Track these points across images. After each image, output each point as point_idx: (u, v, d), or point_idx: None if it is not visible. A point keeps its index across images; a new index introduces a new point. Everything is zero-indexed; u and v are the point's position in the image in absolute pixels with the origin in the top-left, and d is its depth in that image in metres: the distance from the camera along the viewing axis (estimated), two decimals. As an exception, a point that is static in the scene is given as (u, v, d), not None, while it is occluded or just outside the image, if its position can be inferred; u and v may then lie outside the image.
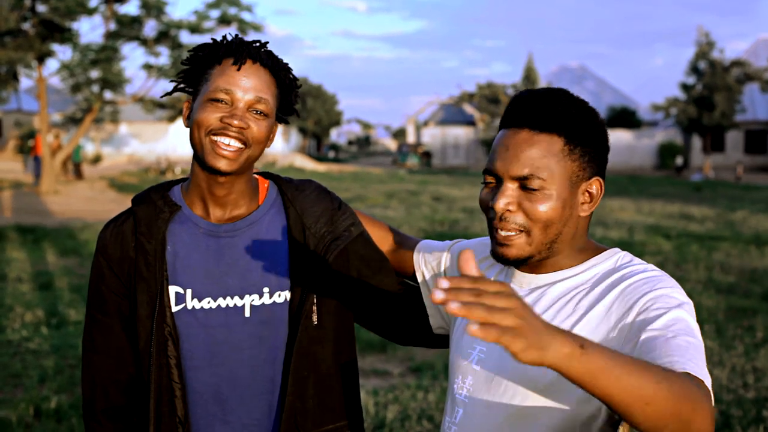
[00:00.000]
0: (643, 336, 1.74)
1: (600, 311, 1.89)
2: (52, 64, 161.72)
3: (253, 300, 2.28)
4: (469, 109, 65.58)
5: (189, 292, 2.27)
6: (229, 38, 2.28)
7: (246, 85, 2.20)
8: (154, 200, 2.35)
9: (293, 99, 2.37)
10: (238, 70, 2.20)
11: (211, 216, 2.32)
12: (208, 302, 2.27)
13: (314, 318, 2.30)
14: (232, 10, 35.61)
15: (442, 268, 2.46)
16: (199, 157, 2.25)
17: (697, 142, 59.89)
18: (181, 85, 2.35)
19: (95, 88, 32.69)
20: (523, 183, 1.96)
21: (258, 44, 2.28)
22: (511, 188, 1.98)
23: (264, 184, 2.43)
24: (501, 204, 1.97)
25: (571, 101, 1.99)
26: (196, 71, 2.29)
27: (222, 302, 2.27)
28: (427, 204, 25.93)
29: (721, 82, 53.22)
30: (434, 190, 32.23)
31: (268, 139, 2.27)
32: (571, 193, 1.97)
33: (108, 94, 34.48)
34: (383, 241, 2.58)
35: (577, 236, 2.03)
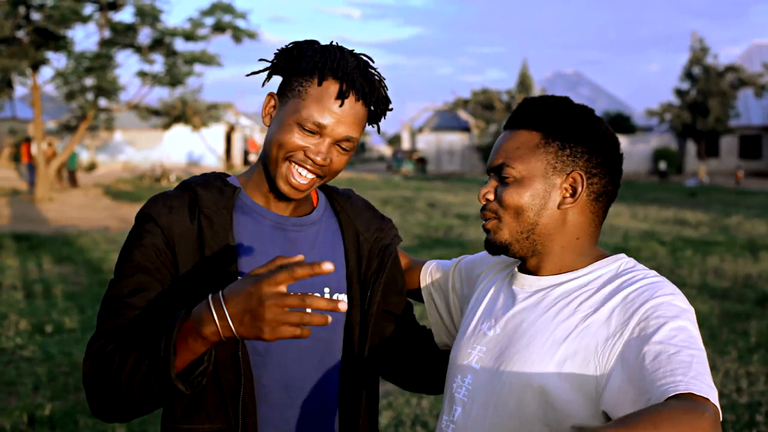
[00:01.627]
0: (646, 350, 1.74)
1: (601, 317, 1.91)
2: (46, 72, 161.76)
3: None
4: (463, 115, 65.55)
5: None
6: (335, 48, 2.17)
7: (340, 123, 2.11)
8: (212, 181, 2.22)
9: (382, 117, 2.29)
10: (341, 105, 2.11)
11: (274, 208, 2.25)
12: None
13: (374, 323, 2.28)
14: (227, 18, 35.67)
15: (449, 286, 2.50)
16: (268, 174, 2.19)
17: (691, 147, 59.95)
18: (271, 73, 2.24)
19: (90, 96, 32.68)
20: (499, 173, 2.08)
21: (363, 69, 2.17)
22: (491, 180, 2.12)
23: None
24: (481, 193, 2.11)
25: (558, 103, 2.09)
26: (288, 70, 2.19)
27: None
28: (422, 210, 25.94)
29: (716, 88, 53.30)
30: (429, 197, 32.24)
31: (341, 170, 2.23)
32: (545, 184, 2.04)
33: (102, 102, 34.47)
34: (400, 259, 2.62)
35: (567, 233, 2.06)
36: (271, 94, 2.21)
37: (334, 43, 2.21)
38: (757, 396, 7.27)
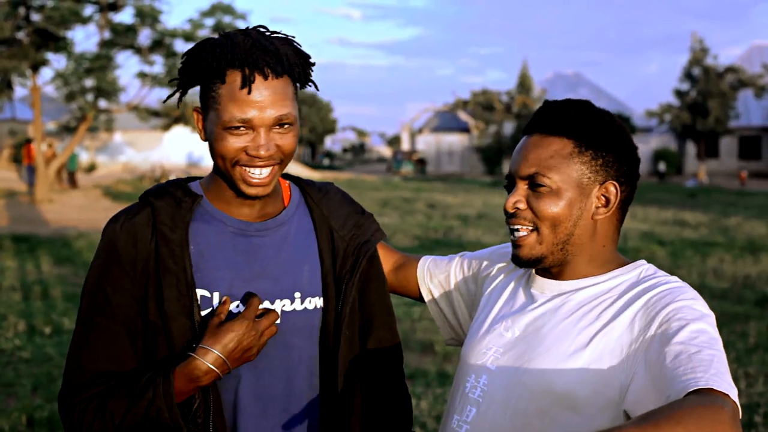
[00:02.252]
0: (667, 350, 1.75)
1: (624, 322, 1.91)
2: (46, 73, 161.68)
3: (284, 305, 2.13)
4: (463, 116, 65.58)
5: (216, 295, 2.08)
6: (224, 37, 2.06)
7: (263, 108, 2.00)
8: (171, 192, 2.15)
9: (308, 77, 2.15)
10: (249, 92, 1.99)
11: (238, 213, 2.16)
12: (237, 306, 2.08)
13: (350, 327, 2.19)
14: (227, 19, 35.64)
15: (452, 282, 2.48)
16: (228, 182, 2.11)
17: (691, 148, 59.98)
18: (182, 93, 2.17)
19: (90, 97, 32.65)
20: (532, 182, 2.04)
21: (259, 44, 2.04)
22: (521, 188, 2.07)
23: (284, 183, 2.30)
24: (510, 202, 2.07)
25: (586, 109, 2.08)
26: (195, 81, 2.10)
27: None
28: (421, 211, 25.94)
29: (715, 89, 53.34)
30: (429, 198, 32.24)
31: (296, 145, 2.12)
32: (580, 194, 2.02)
33: (102, 103, 34.43)
34: (387, 257, 2.57)
35: (597, 242, 2.07)
36: (195, 110, 2.14)
37: (222, 33, 2.09)
38: (755, 397, 7.27)
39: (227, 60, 2.00)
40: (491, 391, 2.05)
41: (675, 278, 2.00)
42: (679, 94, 55.84)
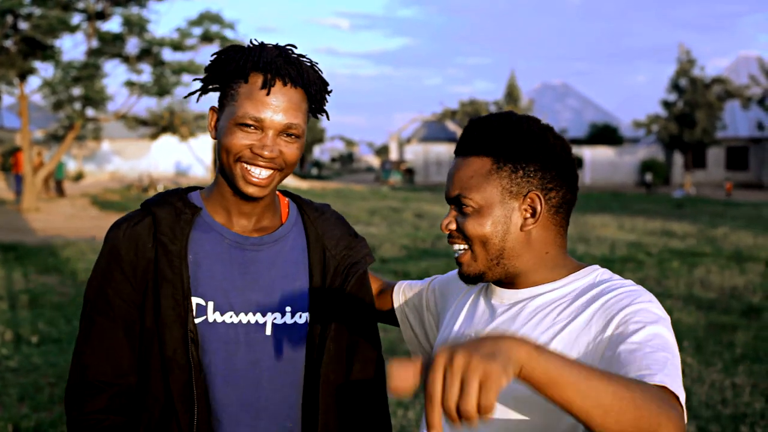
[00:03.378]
0: (621, 348, 1.76)
1: (580, 324, 1.92)
2: (34, 81, 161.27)
3: (275, 318, 2.22)
4: (451, 126, 65.70)
5: (211, 304, 2.17)
6: (255, 44, 2.20)
7: (276, 110, 2.11)
8: (172, 202, 2.24)
9: (324, 101, 2.29)
10: (268, 94, 2.11)
11: (236, 226, 2.25)
12: (230, 316, 2.17)
13: (334, 342, 2.25)
14: (215, 28, 35.72)
15: (424, 305, 2.52)
16: (228, 180, 2.20)
17: (678, 158, 60.17)
18: (207, 88, 2.28)
19: (77, 106, 32.64)
20: (457, 203, 2.08)
21: (286, 55, 2.17)
22: (452, 210, 2.11)
23: (284, 200, 2.40)
24: (443, 224, 2.10)
25: (503, 122, 2.08)
26: (220, 79, 2.21)
27: (243, 318, 2.19)
28: (409, 221, 25.94)
29: (702, 99, 53.53)
30: (417, 207, 32.24)
31: (299, 158, 2.22)
32: (504, 209, 2.04)
33: (90, 112, 34.41)
34: (371, 283, 2.60)
35: (536, 251, 2.07)
36: (212, 109, 2.24)
37: (254, 42, 2.21)
38: (742, 407, 7.28)
39: (253, 62, 2.13)
40: None
41: (630, 282, 2.00)
42: (666, 104, 56.02)
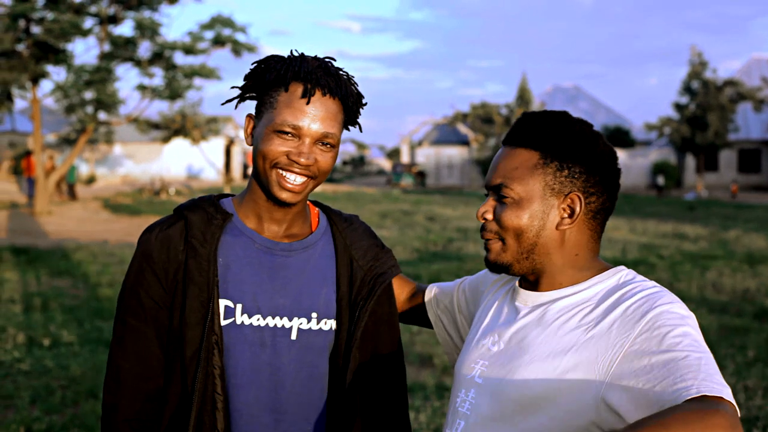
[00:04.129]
0: (654, 360, 1.75)
1: (602, 329, 1.91)
2: (46, 85, 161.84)
3: (301, 323, 2.25)
4: (463, 129, 65.69)
5: (239, 306, 2.21)
6: (295, 55, 2.25)
7: (314, 119, 2.17)
8: (204, 207, 2.30)
9: (358, 114, 2.36)
10: (308, 103, 2.17)
11: (266, 231, 2.30)
12: (258, 319, 2.22)
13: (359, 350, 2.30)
14: (227, 31, 35.75)
15: (455, 307, 2.55)
16: (262, 185, 2.25)
17: (690, 161, 60.04)
18: (245, 96, 2.33)
19: (89, 109, 32.70)
20: (498, 192, 2.09)
21: (325, 67, 2.23)
22: (490, 198, 2.13)
23: (314, 210, 2.45)
24: (479, 212, 2.13)
25: (557, 120, 2.09)
26: (259, 87, 2.26)
27: (270, 321, 2.23)
28: (420, 224, 25.95)
29: (714, 102, 53.40)
30: (428, 210, 32.25)
31: (332, 168, 2.27)
32: (543, 205, 2.05)
33: (102, 115, 34.49)
34: (403, 288, 2.67)
35: (567, 251, 2.08)
36: (249, 116, 2.30)
37: (294, 52, 2.27)
38: (754, 410, 7.26)
39: (294, 72, 2.19)
40: (478, 404, 2.07)
41: (653, 283, 1.99)
42: (678, 107, 55.91)
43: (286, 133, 2.16)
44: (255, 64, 2.28)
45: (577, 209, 2.05)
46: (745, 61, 74.49)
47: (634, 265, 16.07)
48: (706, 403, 1.58)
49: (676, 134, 54.77)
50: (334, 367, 2.30)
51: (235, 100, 2.33)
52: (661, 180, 53.15)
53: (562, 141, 2.05)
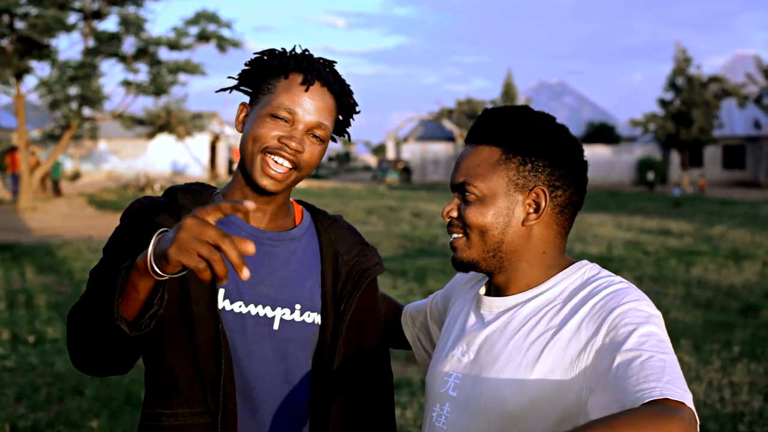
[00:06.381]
0: (618, 360, 1.73)
1: (570, 330, 1.89)
2: (30, 81, 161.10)
3: (284, 314, 2.23)
4: (448, 125, 65.70)
5: (221, 291, 2.17)
6: (299, 50, 2.27)
7: (310, 108, 2.18)
8: (194, 189, 2.30)
9: (349, 122, 2.37)
10: (306, 90, 2.18)
11: (252, 220, 2.28)
12: (240, 306, 2.18)
13: (345, 344, 2.28)
14: (212, 27, 35.73)
15: (429, 322, 2.52)
16: (245, 171, 2.23)
17: (675, 157, 60.21)
18: (240, 87, 2.33)
19: (74, 105, 32.62)
20: (461, 190, 2.07)
21: (326, 63, 2.26)
22: (455, 197, 2.11)
23: (298, 207, 2.44)
24: (444, 210, 2.11)
25: (518, 114, 2.06)
26: (258, 76, 2.27)
27: (253, 309, 2.19)
28: (406, 220, 25.95)
29: (699, 98, 53.61)
30: (414, 206, 32.25)
31: (316, 164, 2.27)
32: (508, 201, 2.02)
33: (87, 111, 34.41)
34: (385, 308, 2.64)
35: (533, 248, 2.05)
36: (243, 104, 2.30)
37: (298, 48, 2.30)
38: (740, 406, 7.28)
39: (296, 62, 2.22)
40: (454, 418, 2.03)
41: (619, 279, 1.97)
42: (663, 103, 56.09)
43: (281, 118, 2.16)
44: (257, 54, 2.30)
45: (543, 203, 2.01)
46: (729, 57, 74.77)
47: (620, 261, 16.12)
48: (665, 407, 1.56)
49: (661, 130, 54.94)
50: (318, 362, 2.27)
51: (230, 89, 2.34)
52: (651, 176, 53.32)
53: (524, 135, 2.02)
